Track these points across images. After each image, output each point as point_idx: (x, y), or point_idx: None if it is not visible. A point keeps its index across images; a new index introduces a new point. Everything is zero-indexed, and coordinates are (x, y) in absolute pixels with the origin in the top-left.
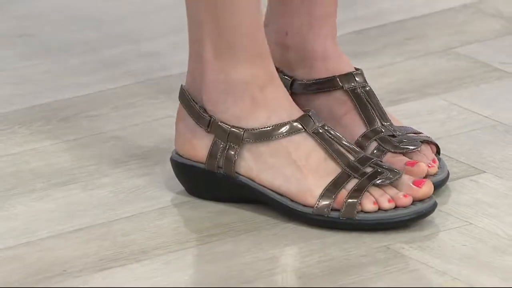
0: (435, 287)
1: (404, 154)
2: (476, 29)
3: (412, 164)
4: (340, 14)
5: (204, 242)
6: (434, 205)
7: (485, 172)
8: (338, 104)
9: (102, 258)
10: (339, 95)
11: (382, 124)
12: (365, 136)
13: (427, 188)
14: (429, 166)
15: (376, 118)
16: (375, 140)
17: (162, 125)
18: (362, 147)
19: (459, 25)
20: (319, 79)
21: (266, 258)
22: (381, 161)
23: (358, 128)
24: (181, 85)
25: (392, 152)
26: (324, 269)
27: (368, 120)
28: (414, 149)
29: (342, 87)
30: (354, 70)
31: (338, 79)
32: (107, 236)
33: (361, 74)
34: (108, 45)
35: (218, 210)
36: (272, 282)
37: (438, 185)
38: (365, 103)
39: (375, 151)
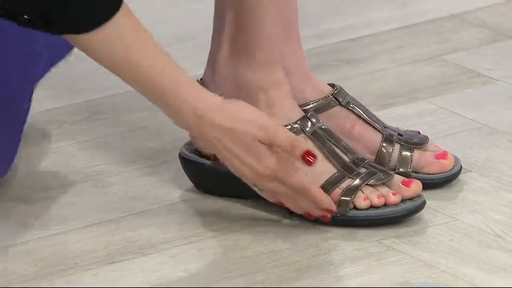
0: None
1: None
2: (462, 38)
3: (443, 156)
4: (335, 23)
5: (207, 236)
6: (423, 203)
7: (471, 171)
8: (342, 120)
9: (111, 252)
10: (338, 111)
11: (385, 127)
12: (387, 141)
13: (415, 187)
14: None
15: (378, 123)
16: (397, 142)
17: (169, 127)
18: (388, 152)
19: (446, 34)
20: (314, 100)
21: (266, 252)
22: (374, 162)
23: (374, 135)
24: (198, 80)
25: (418, 148)
26: (320, 262)
27: (379, 124)
28: (427, 141)
29: (340, 103)
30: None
31: (332, 96)
32: (116, 231)
33: (340, 87)
34: None
35: (221, 207)
36: (271, 274)
37: (453, 178)
38: (366, 111)
39: (402, 152)
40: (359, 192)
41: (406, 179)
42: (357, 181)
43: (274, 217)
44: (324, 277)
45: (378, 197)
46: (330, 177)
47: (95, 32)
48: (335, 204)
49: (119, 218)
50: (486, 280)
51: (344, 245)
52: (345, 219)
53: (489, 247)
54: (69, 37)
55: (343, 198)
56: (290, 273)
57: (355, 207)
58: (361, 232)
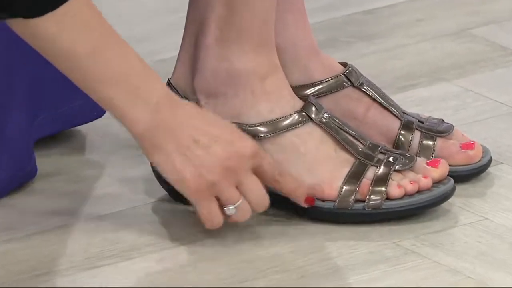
0: (447, 287)
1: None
2: (492, 9)
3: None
4: None
5: (201, 238)
6: (454, 187)
7: (502, 163)
8: (354, 103)
9: (90, 256)
10: (349, 92)
11: (404, 113)
12: (406, 128)
13: (444, 167)
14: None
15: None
16: (417, 129)
17: None
18: (407, 140)
19: (474, 4)
20: (322, 80)
21: (267, 256)
22: (386, 146)
23: (391, 120)
24: (168, 80)
25: (441, 136)
26: (328, 267)
27: (396, 109)
28: (452, 130)
29: (352, 84)
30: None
31: (344, 76)
32: (96, 232)
33: (353, 66)
34: None
35: None
36: (273, 281)
37: (481, 170)
38: (382, 94)
39: (423, 141)
40: (390, 180)
41: (431, 160)
42: (383, 169)
43: (277, 217)
44: (332, 285)
45: (412, 183)
46: (352, 167)
47: (52, 14)
48: (367, 197)
49: (98, 218)
50: None
51: (355, 247)
52: (381, 213)
53: None
54: (16, 23)
55: (376, 188)
56: (293, 279)
57: (388, 197)
58: (375, 232)
